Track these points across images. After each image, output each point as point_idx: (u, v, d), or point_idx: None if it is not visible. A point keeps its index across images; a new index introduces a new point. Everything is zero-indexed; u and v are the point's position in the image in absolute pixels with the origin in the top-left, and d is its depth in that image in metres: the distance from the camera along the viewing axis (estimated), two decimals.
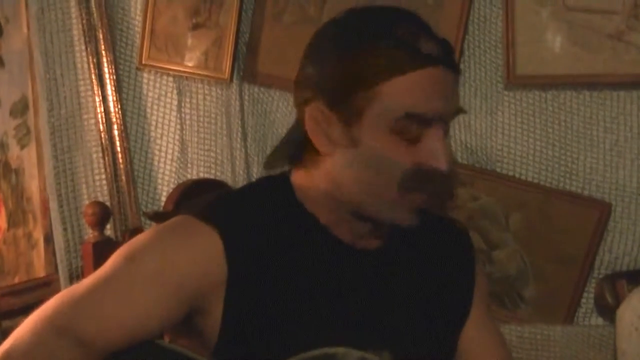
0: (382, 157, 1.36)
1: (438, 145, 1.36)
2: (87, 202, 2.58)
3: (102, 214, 2.19)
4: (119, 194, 2.65)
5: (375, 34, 1.36)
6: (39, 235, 2.79)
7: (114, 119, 2.65)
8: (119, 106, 2.65)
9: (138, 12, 2.66)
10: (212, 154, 2.62)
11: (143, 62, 2.65)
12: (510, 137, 2.36)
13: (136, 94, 2.68)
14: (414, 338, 1.47)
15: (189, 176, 2.64)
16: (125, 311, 1.34)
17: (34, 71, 2.68)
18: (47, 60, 2.62)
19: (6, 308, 2.58)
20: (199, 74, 2.60)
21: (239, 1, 2.53)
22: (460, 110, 1.43)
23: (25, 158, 2.79)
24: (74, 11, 2.65)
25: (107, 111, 2.65)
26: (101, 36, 2.63)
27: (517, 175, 2.35)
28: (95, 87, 2.65)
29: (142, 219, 2.63)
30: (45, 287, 2.69)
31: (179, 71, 2.63)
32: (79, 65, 2.67)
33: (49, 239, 2.75)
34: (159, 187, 2.69)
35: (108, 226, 2.41)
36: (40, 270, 2.78)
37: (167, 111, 2.67)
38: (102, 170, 2.67)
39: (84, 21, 2.64)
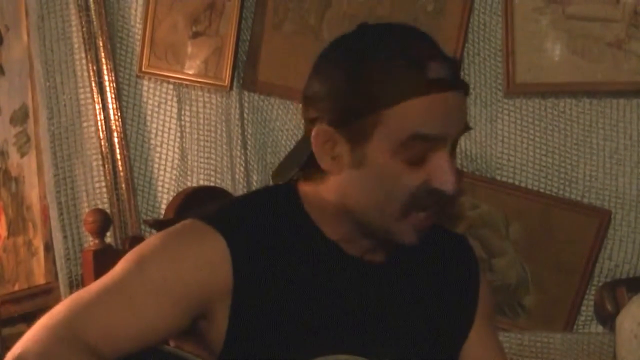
0: (388, 178, 1.36)
1: (444, 166, 1.36)
2: (87, 209, 2.58)
3: (102, 222, 2.18)
4: (119, 201, 2.65)
5: (382, 57, 1.35)
6: (39, 243, 2.79)
7: (114, 127, 2.65)
8: (119, 114, 2.65)
9: (138, 20, 2.66)
10: (212, 162, 2.62)
11: (143, 69, 2.65)
12: (510, 144, 2.36)
13: (136, 101, 2.68)
14: (416, 349, 1.47)
15: (189, 184, 2.64)
16: (133, 319, 1.34)
17: (34, 79, 2.68)
18: (47, 68, 2.62)
19: (6, 315, 2.58)
20: (199, 82, 2.61)
21: (239, 10, 2.53)
22: (467, 128, 1.42)
23: (26, 166, 2.79)
24: (74, 19, 2.65)
25: (107, 119, 2.65)
26: (101, 44, 2.63)
27: (516, 183, 2.35)
28: (95, 95, 2.65)
29: (142, 226, 2.63)
30: (45, 295, 2.70)
31: (179, 79, 2.63)
32: (79, 73, 2.67)
33: (49, 247, 2.75)
34: (159, 194, 2.69)
35: (108, 234, 2.41)
36: (40, 278, 2.78)
37: (167, 119, 2.67)
38: (102, 178, 2.67)
39: (84, 29, 2.64)
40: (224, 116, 2.59)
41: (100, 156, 2.67)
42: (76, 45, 2.66)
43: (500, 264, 2.33)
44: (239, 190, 2.55)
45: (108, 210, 2.58)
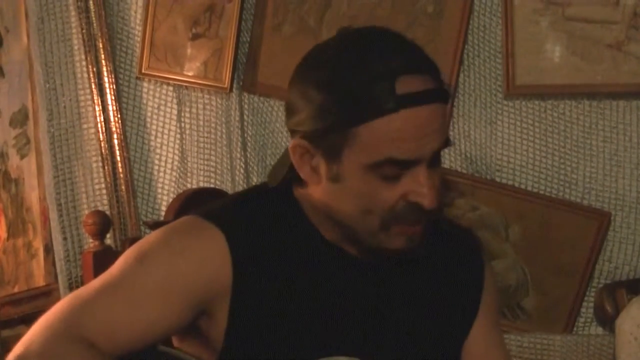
0: (364, 194, 1.34)
1: (421, 181, 1.33)
2: (86, 211, 2.58)
3: (102, 224, 2.18)
4: (119, 203, 2.65)
5: (350, 73, 1.31)
6: (38, 244, 2.79)
7: (113, 129, 2.65)
8: (119, 116, 2.65)
9: (138, 21, 2.66)
10: (212, 163, 2.62)
11: (143, 71, 2.65)
12: (509, 146, 2.36)
13: (136, 103, 2.68)
14: (416, 349, 1.47)
15: (188, 185, 2.64)
16: (134, 316, 1.35)
17: (34, 81, 2.68)
18: (47, 70, 2.61)
19: (6, 317, 2.58)
20: (198, 84, 2.61)
21: (239, 12, 2.53)
22: (446, 144, 1.36)
23: (25, 168, 2.79)
24: (73, 21, 2.65)
25: (106, 121, 2.65)
26: (101, 46, 2.63)
27: (516, 185, 2.35)
28: (95, 97, 2.64)
29: (142, 228, 2.63)
30: (44, 297, 2.70)
31: (179, 80, 2.63)
32: (78, 75, 2.67)
33: (48, 249, 2.75)
34: (159, 196, 2.69)
35: (108, 235, 2.41)
36: (39, 280, 2.78)
37: (167, 120, 2.67)
38: (102, 179, 2.67)
39: (84, 31, 2.64)
40: (224, 118, 2.59)
41: (100, 158, 2.67)
42: (76, 47, 2.66)
43: (500, 266, 2.33)
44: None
45: (108, 212, 2.58)
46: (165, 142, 2.68)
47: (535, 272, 2.33)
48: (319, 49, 1.41)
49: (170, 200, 2.37)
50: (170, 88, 2.66)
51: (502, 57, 2.33)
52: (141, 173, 2.68)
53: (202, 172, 2.63)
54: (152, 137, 2.68)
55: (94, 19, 2.63)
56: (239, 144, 2.56)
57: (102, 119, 2.64)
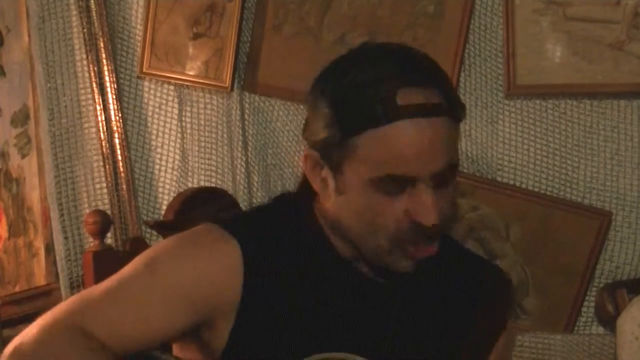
0: (367, 208, 1.32)
1: (423, 199, 1.29)
2: (87, 211, 2.58)
3: (103, 223, 2.19)
4: (120, 202, 2.65)
5: (354, 84, 1.30)
6: (39, 244, 2.79)
7: (114, 128, 2.65)
8: (120, 115, 2.65)
9: (139, 21, 2.66)
10: (213, 163, 2.62)
11: (144, 70, 2.65)
12: (510, 146, 2.36)
13: (137, 102, 2.69)
14: None
15: (189, 185, 2.64)
16: (138, 320, 1.35)
17: (35, 80, 2.68)
18: (48, 70, 2.61)
19: (6, 317, 2.57)
20: (199, 83, 2.61)
21: (240, 12, 2.53)
22: (453, 165, 1.31)
23: (26, 167, 2.79)
24: (74, 20, 2.65)
25: (107, 120, 2.65)
26: (102, 45, 2.63)
27: (517, 184, 2.35)
28: (96, 96, 2.65)
29: (143, 227, 2.63)
30: (45, 296, 2.69)
31: (180, 80, 2.63)
32: (79, 74, 2.67)
33: (49, 248, 2.74)
34: (160, 195, 2.69)
35: (109, 235, 2.41)
36: (40, 280, 2.78)
37: (168, 120, 2.68)
38: (103, 179, 2.67)
39: (85, 30, 2.64)
40: (225, 117, 2.59)
41: (101, 157, 2.67)
42: (77, 47, 2.66)
43: (501, 265, 2.32)
44: (240, 191, 2.55)
45: (109, 212, 2.58)
46: (166, 142, 2.68)
47: (536, 271, 2.33)
48: (334, 61, 1.39)
49: (171, 199, 2.38)
50: (171, 87, 2.66)
51: (503, 57, 2.33)
52: (142, 172, 2.68)
53: (203, 172, 2.63)
54: (153, 137, 2.68)
55: (95, 18, 2.63)
56: (240, 143, 2.56)
57: (103, 119, 2.64)
